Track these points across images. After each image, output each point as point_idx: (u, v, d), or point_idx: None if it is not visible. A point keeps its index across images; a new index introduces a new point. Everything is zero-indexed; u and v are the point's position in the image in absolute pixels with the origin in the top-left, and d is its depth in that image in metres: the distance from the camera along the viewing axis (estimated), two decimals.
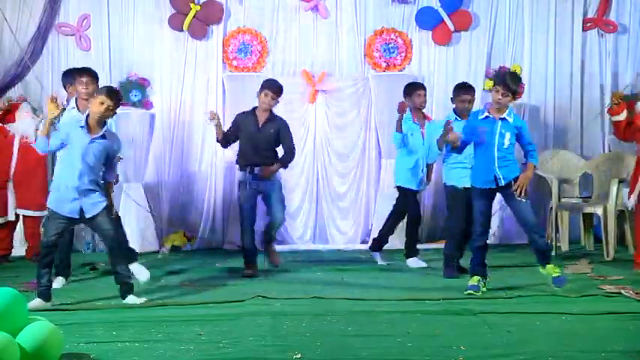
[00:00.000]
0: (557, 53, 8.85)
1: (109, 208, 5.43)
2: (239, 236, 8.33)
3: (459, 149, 5.93)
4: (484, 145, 5.71)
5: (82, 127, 5.32)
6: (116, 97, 5.41)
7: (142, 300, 5.45)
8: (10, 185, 7.60)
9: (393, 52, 8.71)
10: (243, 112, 6.84)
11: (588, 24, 8.91)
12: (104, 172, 5.50)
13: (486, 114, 5.74)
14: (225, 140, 6.81)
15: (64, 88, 6.62)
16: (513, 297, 5.54)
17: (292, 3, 8.68)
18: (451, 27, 8.68)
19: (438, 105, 8.47)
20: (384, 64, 8.70)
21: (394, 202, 7.30)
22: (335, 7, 8.72)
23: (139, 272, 6.16)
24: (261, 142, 6.64)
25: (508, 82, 5.65)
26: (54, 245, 5.38)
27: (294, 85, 8.37)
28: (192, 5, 8.42)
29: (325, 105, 8.72)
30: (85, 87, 6.11)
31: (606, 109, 7.34)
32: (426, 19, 8.72)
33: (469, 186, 6.44)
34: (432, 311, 5.00)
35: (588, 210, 7.91)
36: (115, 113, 5.47)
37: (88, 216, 5.34)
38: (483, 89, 8.70)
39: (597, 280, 6.20)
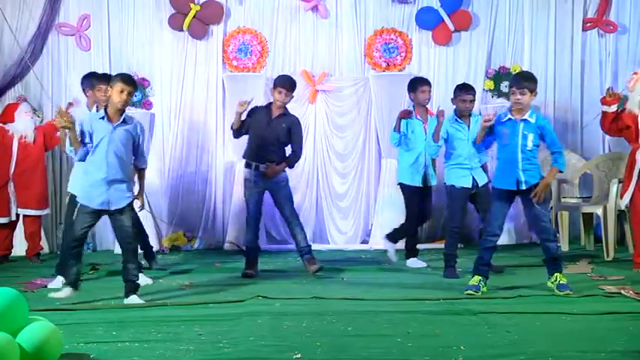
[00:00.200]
0: (557, 53, 8.85)
1: (135, 203, 5.49)
2: (240, 237, 8.43)
3: (485, 143, 5.87)
4: (507, 147, 5.69)
5: (101, 118, 5.39)
6: (132, 81, 5.52)
7: (142, 301, 5.45)
8: (11, 185, 7.60)
9: (393, 52, 8.72)
10: (258, 107, 6.82)
11: (588, 24, 8.91)
12: (135, 160, 5.54)
13: (509, 116, 5.74)
14: (237, 131, 6.68)
15: (83, 92, 6.61)
16: (513, 297, 5.54)
17: (292, 3, 8.68)
18: (451, 27, 8.68)
19: (438, 105, 8.43)
20: (384, 64, 8.70)
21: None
22: (335, 7, 8.73)
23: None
24: (270, 137, 6.57)
25: (520, 80, 5.67)
26: (82, 239, 5.48)
27: None
28: (192, 5, 8.42)
29: (325, 105, 8.72)
30: (104, 94, 6.10)
31: (600, 99, 7.37)
32: (426, 19, 8.72)
33: (467, 186, 6.47)
34: (432, 311, 5.00)
35: (588, 210, 7.91)
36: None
37: (113, 208, 5.38)
38: (483, 89, 8.71)
39: (597, 280, 6.19)
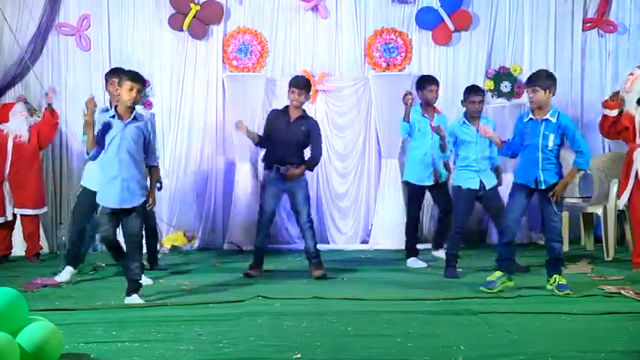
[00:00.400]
0: (557, 53, 8.84)
1: (145, 203, 5.49)
2: (240, 237, 8.43)
3: (511, 153, 5.96)
4: (529, 147, 5.73)
5: (112, 117, 5.42)
6: (140, 78, 5.57)
7: (143, 301, 5.45)
8: (6, 185, 7.58)
9: (393, 52, 8.71)
10: (275, 110, 6.85)
11: (588, 24, 8.91)
12: (146, 158, 5.55)
13: (530, 116, 5.76)
14: (260, 143, 6.75)
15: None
16: (513, 297, 5.54)
17: (292, 3, 8.68)
18: (451, 27, 8.68)
19: (438, 105, 8.43)
20: (384, 64, 8.69)
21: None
22: (335, 7, 8.72)
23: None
24: (290, 140, 6.57)
25: (530, 78, 5.75)
26: (110, 238, 5.46)
27: None
28: (192, 5, 8.42)
29: (325, 105, 8.71)
30: (117, 88, 6.21)
31: (601, 102, 7.37)
32: (426, 19, 8.72)
33: (474, 187, 6.49)
34: (432, 311, 5.00)
35: (588, 210, 7.91)
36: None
37: (125, 206, 5.40)
38: (483, 89, 8.69)
39: (597, 280, 6.20)
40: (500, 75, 8.74)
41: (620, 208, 7.25)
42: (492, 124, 6.70)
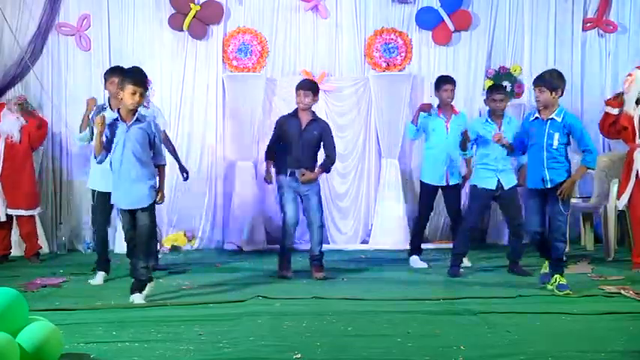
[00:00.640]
0: (557, 53, 8.84)
1: (154, 203, 5.53)
2: (239, 236, 8.43)
3: (516, 151, 6.03)
4: (534, 146, 5.76)
5: (115, 119, 5.45)
6: (142, 81, 5.54)
7: (144, 301, 5.45)
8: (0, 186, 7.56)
9: (393, 52, 8.71)
10: (284, 116, 6.84)
11: (588, 24, 8.91)
12: (153, 157, 5.58)
13: (536, 115, 5.78)
14: (273, 153, 6.73)
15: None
16: (513, 297, 5.54)
17: (292, 3, 8.68)
18: (451, 27, 8.67)
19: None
20: (384, 64, 8.69)
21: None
22: (335, 7, 8.72)
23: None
24: (304, 145, 6.58)
25: (538, 77, 5.74)
26: (129, 235, 5.56)
27: (294, 85, 8.33)
28: (192, 5, 8.42)
29: (325, 105, 8.70)
30: (117, 87, 6.25)
31: (605, 100, 7.38)
32: (426, 19, 8.71)
33: (489, 187, 6.49)
34: (432, 311, 5.00)
35: (588, 210, 7.91)
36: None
37: (136, 207, 5.46)
38: (483, 89, 8.68)
39: (597, 280, 6.20)
40: (500, 75, 8.74)
41: (621, 208, 7.25)
42: (515, 123, 6.70)
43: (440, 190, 7.09)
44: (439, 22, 8.68)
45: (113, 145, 5.44)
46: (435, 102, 7.16)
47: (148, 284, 5.54)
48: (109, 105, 6.40)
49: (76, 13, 8.45)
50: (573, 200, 8.09)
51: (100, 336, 4.38)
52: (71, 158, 8.40)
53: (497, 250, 7.80)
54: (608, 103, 7.22)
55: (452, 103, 7.08)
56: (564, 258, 5.85)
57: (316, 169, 6.66)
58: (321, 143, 6.72)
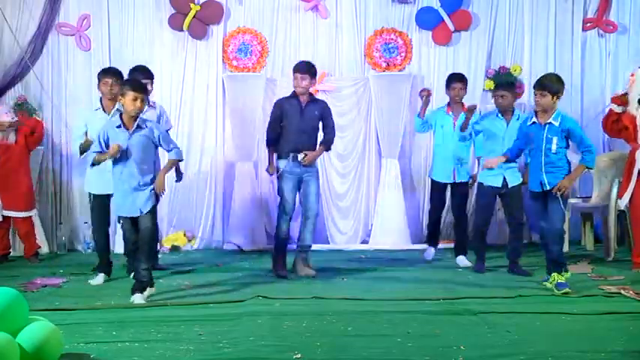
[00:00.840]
0: (557, 53, 8.84)
1: (155, 207, 5.57)
2: (240, 237, 8.43)
3: (516, 155, 6.09)
4: (533, 150, 5.79)
5: (118, 126, 5.46)
6: (142, 86, 5.56)
7: (144, 301, 5.46)
8: None
9: (393, 52, 8.71)
10: (282, 98, 6.81)
11: (588, 24, 8.91)
12: (169, 154, 5.64)
13: (534, 120, 5.79)
14: (276, 135, 6.64)
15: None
16: (513, 297, 5.54)
17: (292, 3, 8.68)
18: (451, 27, 8.67)
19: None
20: (384, 64, 8.69)
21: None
22: (335, 7, 8.72)
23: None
24: (306, 126, 6.56)
25: (539, 81, 5.76)
26: (131, 240, 5.61)
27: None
28: (192, 5, 8.42)
29: None
30: (110, 88, 6.34)
31: (611, 97, 7.39)
32: (426, 19, 8.72)
33: (495, 185, 6.51)
34: (432, 311, 5.00)
35: (588, 210, 7.91)
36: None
37: (139, 213, 5.47)
38: (483, 89, 8.70)
39: (597, 280, 6.20)
40: (500, 75, 8.74)
41: (622, 208, 7.25)
42: (524, 118, 6.69)
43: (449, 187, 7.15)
44: (439, 22, 8.68)
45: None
46: (446, 99, 7.23)
47: (149, 288, 5.55)
48: (102, 106, 6.40)
49: (76, 13, 8.45)
50: (573, 200, 8.11)
51: (100, 336, 4.38)
52: (71, 158, 8.40)
53: (497, 250, 7.78)
54: (614, 100, 7.23)
55: (462, 102, 7.12)
56: (563, 261, 5.83)
57: (317, 148, 6.64)
58: (320, 124, 6.69)
